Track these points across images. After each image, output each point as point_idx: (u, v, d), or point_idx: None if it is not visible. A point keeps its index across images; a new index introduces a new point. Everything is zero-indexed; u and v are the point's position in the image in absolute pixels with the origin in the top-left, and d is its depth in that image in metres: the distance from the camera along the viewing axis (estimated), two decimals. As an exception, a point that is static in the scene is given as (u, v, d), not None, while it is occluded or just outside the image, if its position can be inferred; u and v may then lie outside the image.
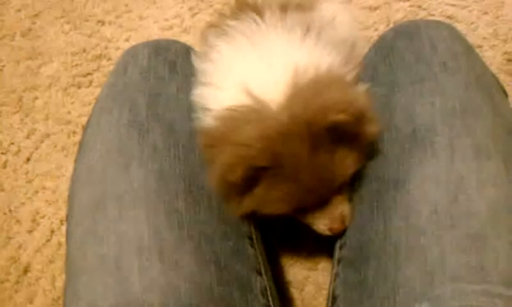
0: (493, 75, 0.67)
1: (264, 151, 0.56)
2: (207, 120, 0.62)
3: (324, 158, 0.59)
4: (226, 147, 0.58)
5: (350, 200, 0.66)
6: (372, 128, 0.61)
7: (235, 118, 0.59)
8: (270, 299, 0.61)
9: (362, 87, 0.64)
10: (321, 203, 0.64)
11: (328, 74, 0.60)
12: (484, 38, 0.99)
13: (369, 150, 0.63)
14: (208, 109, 0.63)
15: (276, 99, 0.58)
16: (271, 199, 0.60)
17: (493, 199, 0.53)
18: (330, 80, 0.60)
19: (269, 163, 0.57)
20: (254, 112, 0.58)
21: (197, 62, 0.69)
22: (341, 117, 0.56)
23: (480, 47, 0.98)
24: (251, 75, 0.61)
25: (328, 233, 0.66)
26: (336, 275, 0.64)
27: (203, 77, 0.66)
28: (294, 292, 0.83)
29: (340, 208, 0.65)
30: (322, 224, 0.66)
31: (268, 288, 0.62)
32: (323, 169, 0.59)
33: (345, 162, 0.61)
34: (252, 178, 0.59)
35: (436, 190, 0.55)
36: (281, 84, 0.59)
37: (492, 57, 0.97)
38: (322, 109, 0.56)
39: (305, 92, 0.58)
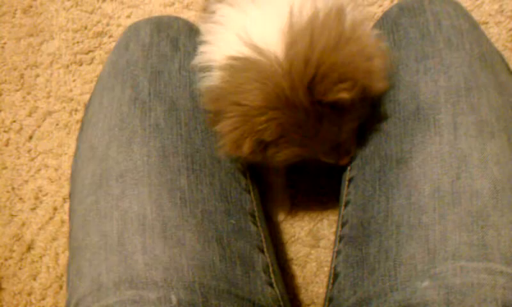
0: (498, 53, 0.67)
1: (270, 125, 0.57)
2: (209, 76, 0.62)
3: (329, 125, 0.59)
4: (231, 108, 0.58)
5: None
6: (379, 85, 0.60)
7: (237, 72, 0.59)
8: (272, 276, 0.62)
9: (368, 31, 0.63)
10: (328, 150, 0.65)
11: (325, 12, 0.58)
12: (490, 15, 0.98)
13: (374, 102, 0.64)
14: (209, 67, 0.62)
15: (275, 45, 0.57)
16: (279, 159, 0.62)
17: (496, 178, 0.53)
18: (328, 19, 0.58)
19: (276, 136, 0.58)
20: (255, 68, 0.57)
21: (200, 26, 0.69)
22: (344, 95, 0.55)
23: (485, 23, 0.97)
24: (249, 26, 0.60)
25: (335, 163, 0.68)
26: (338, 252, 0.65)
27: (204, 36, 0.66)
28: (296, 269, 0.83)
29: (345, 147, 0.66)
30: (330, 161, 0.67)
31: (270, 265, 0.62)
32: (328, 134, 0.60)
33: (351, 121, 0.61)
34: (261, 147, 0.60)
35: (438, 168, 0.55)
36: (278, 29, 0.57)
37: (497, 34, 0.96)
38: (326, 81, 0.55)
39: (303, 39, 0.56)
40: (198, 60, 0.65)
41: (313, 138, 0.60)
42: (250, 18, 0.61)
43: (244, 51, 0.58)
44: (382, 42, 0.63)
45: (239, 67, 0.58)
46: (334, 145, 0.64)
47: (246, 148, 0.58)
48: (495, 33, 0.96)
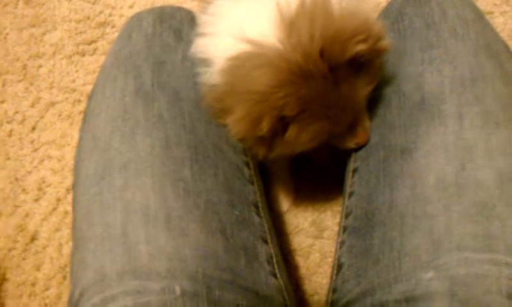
0: (504, 42, 0.66)
1: (290, 99, 0.56)
2: (210, 75, 0.62)
3: (347, 88, 0.59)
4: (242, 99, 0.58)
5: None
6: (385, 43, 0.60)
7: (240, 67, 0.58)
8: (276, 266, 0.62)
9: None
10: (348, 127, 0.64)
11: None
12: (495, 4, 0.97)
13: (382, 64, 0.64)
14: (207, 60, 0.62)
15: (272, 37, 0.57)
16: (302, 140, 0.61)
17: (501, 168, 0.53)
18: (315, 7, 0.58)
19: (296, 109, 0.57)
20: (259, 57, 0.57)
21: (198, 18, 0.68)
22: (362, 47, 0.55)
23: (490, 13, 0.96)
24: (243, 20, 0.60)
25: (354, 147, 0.68)
26: (342, 243, 0.65)
27: (201, 28, 0.65)
28: (300, 260, 0.83)
29: (362, 124, 0.66)
30: (349, 142, 0.67)
31: (274, 256, 0.62)
32: (347, 99, 0.60)
33: (365, 85, 0.61)
34: (281, 127, 0.59)
35: (443, 159, 0.55)
36: (271, 21, 0.57)
37: (503, 24, 0.95)
38: (338, 41, 0.55)
39: (299, 24, 0.56)
40: (195, 52, 0.64)
41: (334, 107, 0.59)
42: (243, 12, 0.61)
43: (243, 48, 0.58)
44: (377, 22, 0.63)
45: (240, 63, 0.58)
46: (353, 119, 0.63)
47: (266, 124, 0.56)
48: (500, 23, 0.95)
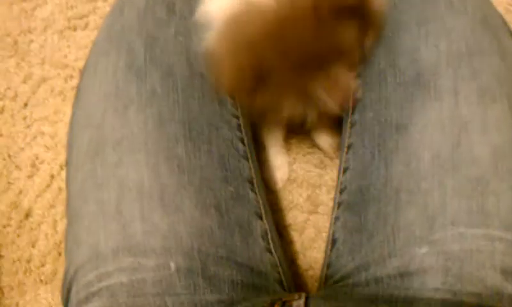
0: (501, 16, 0.65)
1: (272, 50, 0.56)
2: (209, 39, 0.62)
3: (328, 29, 0.58)
4: (230, 51, 0.58)
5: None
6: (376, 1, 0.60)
7: (233, 24, 0.59)
8: (270, 242, 0.62)
9: None
10: (328, 75, 0.62)
11: None
12: (492, -23, 0.96)
13: (377, 24, 0.63)
14: (208, 25, 0.62)
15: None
16: (282, 93, 0.61)
17: (497, 144, 0.53)
18: None
19: (278, 61, 0.57)
20: (251, 13, 0.57)
21: None
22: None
23: (487, -14, 0.95)
24: None
25: (337, 109, 0.65)
26: (336, 218, 0.65)
27: None
28: (294, 235, 0.84)
29: (347, 81, 0.64)
30: (330, 100, 0.64)
31: (268, 232, 0.63)
32: (327, 38, 0.59)
33: (350, 31, 0.60)
34: (262, 76, 0.59)
35: (439, 135, 0.55)
36: None
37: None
38: None
39: None
40: (198, 18, 0.64)
41: (311, 41, 0.58)
42: None
43: (240, 7, 0.58)
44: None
45: (234, 21, 0.58)
46: (332, 53, 0.61)
47: (247, 74, 0.57)
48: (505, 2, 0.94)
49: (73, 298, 0.54)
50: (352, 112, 0.67)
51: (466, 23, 0.60)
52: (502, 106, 0.54)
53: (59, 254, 0.86)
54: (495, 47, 0.58)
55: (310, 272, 0.81)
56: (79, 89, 0.67)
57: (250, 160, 0.66)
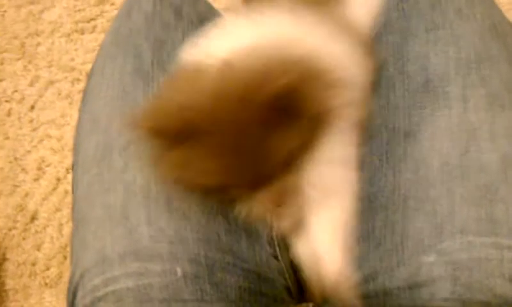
0: (510, 23, 0.65)
1: (202, 109, 0.47)
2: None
3: (259, 131, 0.48)
4: (173, 96, 0.51)
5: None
6: (331, 98, 0.50)
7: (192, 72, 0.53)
8: (277, 249, 0.62)
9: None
10: (259, 181, 0.51)
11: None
12: (500, -16, 0.96)
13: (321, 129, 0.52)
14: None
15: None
16: (198, 161, 0.50)
17: (506, 151, 0.52)
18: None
19: (203, 122, 0.47)
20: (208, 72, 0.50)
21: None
22: (282, 81, 0.45)
23: (496, -7, 0.95)
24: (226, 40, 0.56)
25: (264, 216, 0.56)
26: (344, 225, 0.64)
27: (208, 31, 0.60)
28: (300, 241, 0.83)
29: (279, 186, 0.52)
30: (258, 204, 0.54)
31: (275, 239, 0.62)
32: (256, 143, 0.48)
33: (286, 137, 0.49)
34: (185, 132, 0.48)
35: (447, 142, 0.54)
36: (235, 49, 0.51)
37: (508, 4, 0.94)
38: (261, 73, 0.46)
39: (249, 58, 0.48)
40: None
41: (238, 142, 0.48)
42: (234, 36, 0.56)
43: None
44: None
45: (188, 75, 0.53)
46: (262, 163, 0.50)
47: (175, 119, 0.48)
48: (505, 3, 0.94)
49: (79, 302, 0.53)
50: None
51: (475, 30, 0.60)
52: (511, 113, 0.54)
53: (65, 257, 0.86)
54: (504, 54, 0.58)
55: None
56: (85, 93, 0.67)
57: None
